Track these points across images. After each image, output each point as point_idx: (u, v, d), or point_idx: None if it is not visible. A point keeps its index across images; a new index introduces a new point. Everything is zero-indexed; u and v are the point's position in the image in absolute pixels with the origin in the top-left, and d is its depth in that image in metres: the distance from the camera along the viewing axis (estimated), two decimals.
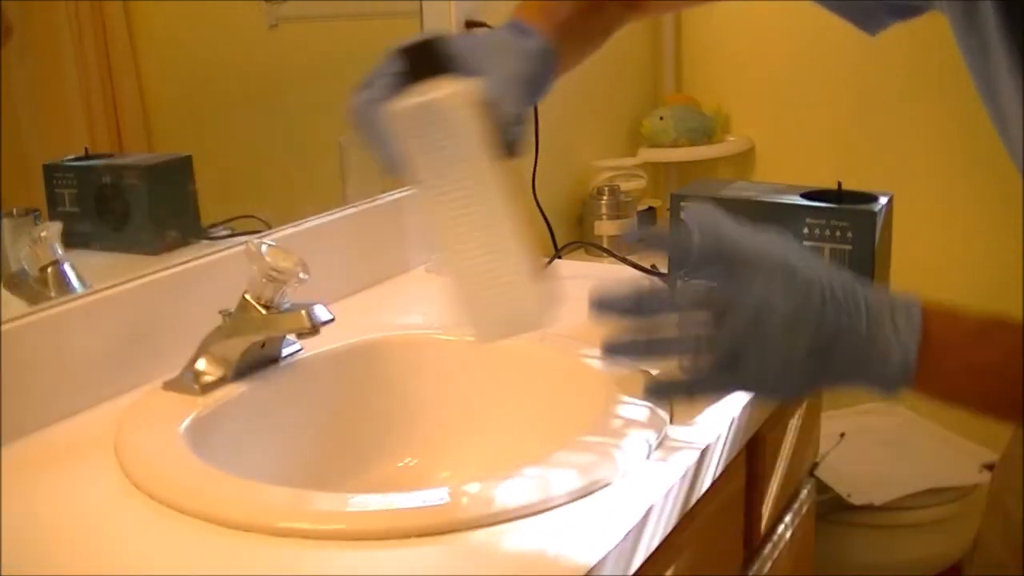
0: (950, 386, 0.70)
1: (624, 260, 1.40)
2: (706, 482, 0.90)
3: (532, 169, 1.59)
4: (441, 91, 0.73)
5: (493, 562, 0.72)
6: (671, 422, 0.92)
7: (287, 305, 0.97)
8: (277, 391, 1.02)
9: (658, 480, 0.82)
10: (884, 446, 1.86)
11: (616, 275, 1.37)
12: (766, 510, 1.13)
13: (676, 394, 0.73)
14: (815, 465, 1.35)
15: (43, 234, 0.99)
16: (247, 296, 0.96)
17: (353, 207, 1.33)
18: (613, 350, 0.69)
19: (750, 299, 0.65)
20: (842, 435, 1.87)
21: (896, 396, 0.70)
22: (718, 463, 0.92)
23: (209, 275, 1.09)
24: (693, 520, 0.90)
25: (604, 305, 0.68)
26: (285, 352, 1.04)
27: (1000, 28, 0.76)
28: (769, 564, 1.15)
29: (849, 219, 1.10)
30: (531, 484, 0.79)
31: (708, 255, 0.66)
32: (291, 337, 1.04)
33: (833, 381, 0.69)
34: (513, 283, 0.77)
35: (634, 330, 0.68)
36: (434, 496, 0.78)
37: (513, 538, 0.74)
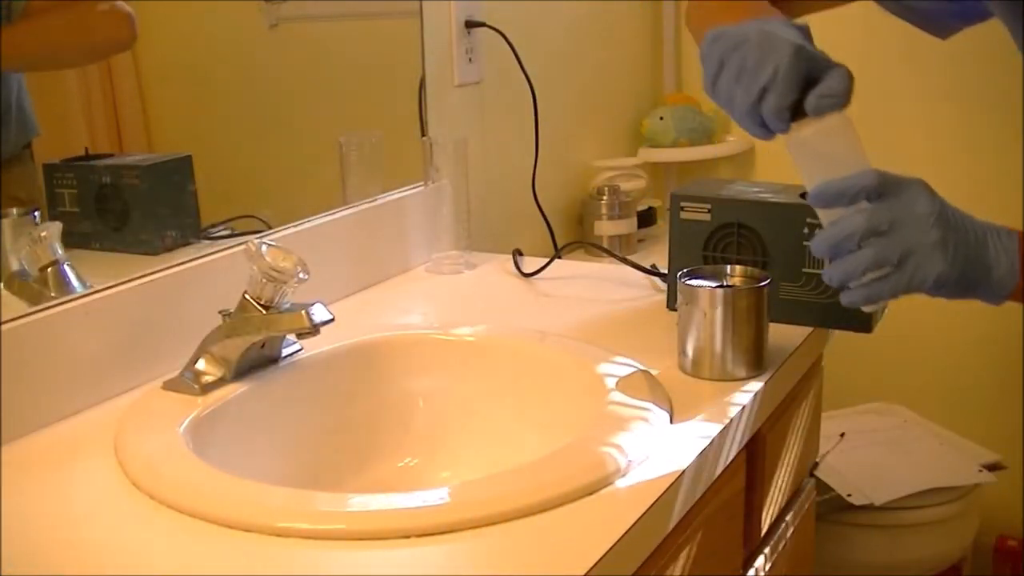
0: None
1: (624, 260, 1.40)
2: (706, 482, 0.90)
3: (532, 169, 1.60)
4: (830, 120, 0.86)
5: (493, 562, 0.72)
6: (671, 421, 0.92)
7: (287, 305, 0.97)
8: (277, 391, 1.02)
9: (657, 480, 0.82)
10: (884, 446, 1.86)
11: (619, 275, 1.37)
12: (766, 510, 1.13)
13: (864, 303, 0.86)
14: (815, 465, 1.35)
15: (43, 234, 0.99)
16: (247, 296, 0.96)
17: (353, 207, 1.33)
18: (829, 275, 0.86)
19: (916, 210, 0.82)
20: (842, 435, 1.87)
21: (1000, 302, 0.86)
22: (718, 463, 0.92)
23: (209, 275, 1.09)
24: (693, 520, 0.90)
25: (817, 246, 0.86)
26: (285, 352, 1.04)
27: None
28: (769, 564, 1.15)
29: None
30: (531, 484, 0.79)
31: (875, 187, 0.83)
32: (291, 337, 1.04)
33: (957, 281, 0.83)
34: None
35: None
36: (434, 496, 0.78)
37: (513, 538, 0.74)
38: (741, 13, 0.94)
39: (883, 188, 0.83)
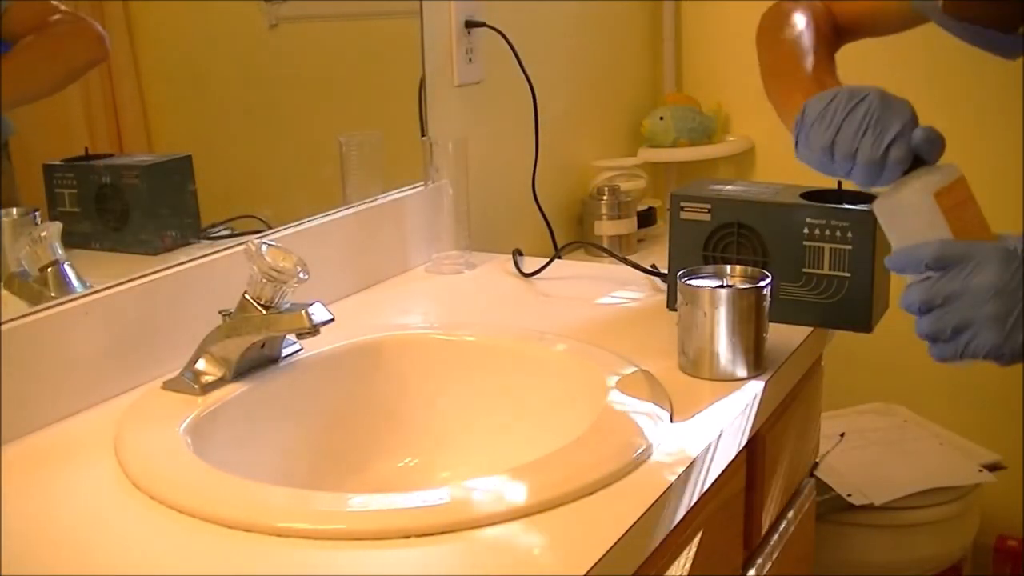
0: None
1: (624, 260, 1.40)
2: (706, 482, 0.90)
3: (532, 169, 1.60)
4: (906, 188, 0.91)
5: (493, 562, 0.72)
6: (671, 421, 0.92)
7: (287, 305, 0.97)
8: (277, 391, 1.02)
9: (657, 480, 0.82)
10: (884, 446, 1.86)
11: (619, 275, 1.37)
12: (766, 510, 1.13)
13: (937, 360, 0.89)
14: (815, 465, 1.35)
15: (43, 234, 0.99)
16: (247, 296, 0.96)
17: (353, 207, 1.33)
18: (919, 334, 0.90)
19: (974, 283, 0.84)
20: (842, 435, 1.87)
21: None
22: (718, 463, 0.92)
23: (209, 275, 1.09)
24: (693, 520, 0.90)
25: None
26: (285, 352, 1.04)
27: None
28: (769, 564, 1.15)
29: (849, 219, 1.10)
30: (531, 483, 0.80)
31: (935, 260, 0.86)
32: (291, 337, 1.04)
33: (1017, 353, 0.84)
34: None
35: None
36: (434, 496, 0.78)
37: (513, 538, 0.74)
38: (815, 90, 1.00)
39: (944, 261, 0.86)
